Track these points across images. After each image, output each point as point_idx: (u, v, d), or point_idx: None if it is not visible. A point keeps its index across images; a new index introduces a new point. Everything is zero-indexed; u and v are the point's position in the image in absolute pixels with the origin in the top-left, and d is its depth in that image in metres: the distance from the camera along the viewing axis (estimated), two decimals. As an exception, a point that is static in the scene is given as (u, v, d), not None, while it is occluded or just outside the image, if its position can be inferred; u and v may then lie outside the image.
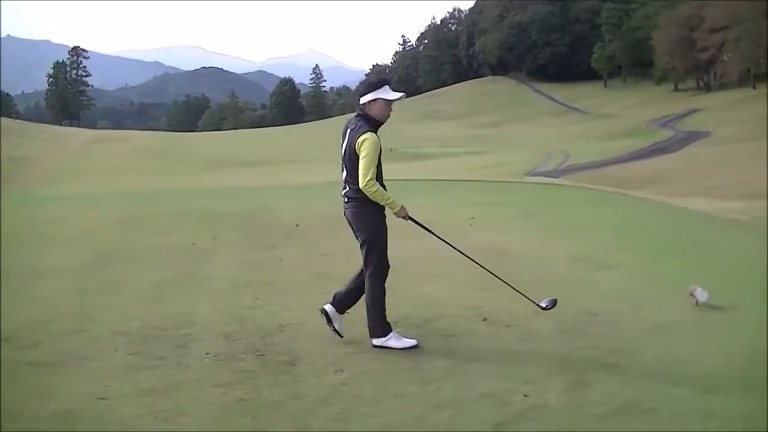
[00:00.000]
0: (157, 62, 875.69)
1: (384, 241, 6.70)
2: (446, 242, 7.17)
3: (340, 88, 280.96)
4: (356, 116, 6.67)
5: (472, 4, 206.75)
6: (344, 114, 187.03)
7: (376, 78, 6.87)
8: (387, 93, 6.60)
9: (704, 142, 59.30)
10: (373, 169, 6.43)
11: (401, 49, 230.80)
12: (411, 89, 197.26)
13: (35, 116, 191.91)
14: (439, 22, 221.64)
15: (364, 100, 6.63)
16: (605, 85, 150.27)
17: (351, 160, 6.54)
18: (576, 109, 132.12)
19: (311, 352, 6.52)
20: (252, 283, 9.39)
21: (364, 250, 6.69)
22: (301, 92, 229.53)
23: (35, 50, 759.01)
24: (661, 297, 8.23)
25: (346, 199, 6.70)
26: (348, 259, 10.64)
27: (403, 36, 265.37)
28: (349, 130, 6.65)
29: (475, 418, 5.05)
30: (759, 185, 24.93)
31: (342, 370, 6.04)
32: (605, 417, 5.02)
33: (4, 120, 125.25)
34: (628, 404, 5.24)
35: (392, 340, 6.64)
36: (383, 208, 6.61)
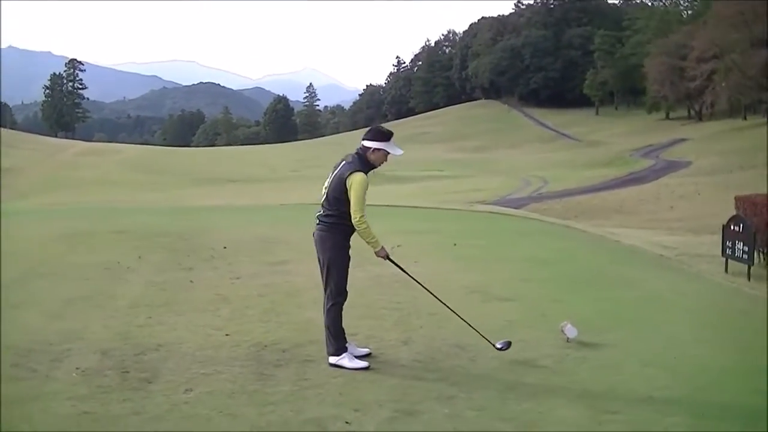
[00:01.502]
0: (155, 76, 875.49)
1: (343, 268, 7.19)
2: (422, 285, 7.69)
3: (334, 107, 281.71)
4: (356, 153, 7.20)
5: (466, 27, 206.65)
6: (338, 132, 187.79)
7: (386, 130, 7.29)
8: (392, 148, 7.17)
9: (680, 173, 59.40)
10: (363, 207, 6.99)
11: (395, 70, 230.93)
12: (403, 110, 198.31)
13: (33, 127, 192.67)
14: (433, 44, 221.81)
15: (368, 144, 7.16)
16: (597, 113, 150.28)
17: (336, 189, 7.07)
18: (566, 136, 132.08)
19: (173, 371, 6.85)
20: (153, 303, 9.69)
21: (325, 273, 7.22)
22: (296, 110, 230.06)
23: (36, 61, 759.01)
24: (537, 332, 8.38)
25: (318, 221, 7.24)
26: (255, 282, 11.19)
27: (397, 57, 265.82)
28: (344, 163, 7.19)
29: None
30: (710, 219, 25.09)
31: (191, 390, 6.37)
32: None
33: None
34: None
35: (345, 360, 7.07)
36: (348, 236, 7.16)
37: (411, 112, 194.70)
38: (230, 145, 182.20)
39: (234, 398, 6.20)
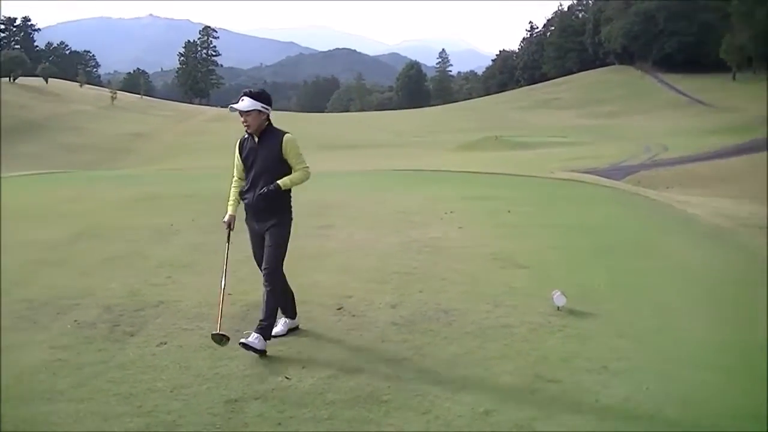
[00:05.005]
0: (292, 42, 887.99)
1: (251, 243, 7.47)
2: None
3: (467, 72, 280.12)
4: None
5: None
6: (470, 98, 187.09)
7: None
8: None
9: (803, 140, 56.78)
10: (234, 171, 7.19)
11: (528, 36, 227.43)
12: (536, 76, 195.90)
13: (171, 93, 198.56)
14: (566, 9, 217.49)
15: None
16: (734, 78, 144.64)
17: None
18: (700, 102, 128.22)
19: (159, 326, 7.32)
20: (179, 263, 10.19)
21: None
22: (429, 76, 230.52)
23: (176, 29, 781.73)
24: (533, 299, 8.29)
25: None
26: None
27: (530, 22, 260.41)
28: None
29: (222, 391, 5.70)
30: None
31: (165, 343, 6.82)
32: (336, 403, 5.51)
33: (132, 96, 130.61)
34: (369, 395, 5.67)
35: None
36: (250, 210, 7.18)
37: (543, 78, 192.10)
38: (363, 110, 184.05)
39: (198, 352, 6.58)
